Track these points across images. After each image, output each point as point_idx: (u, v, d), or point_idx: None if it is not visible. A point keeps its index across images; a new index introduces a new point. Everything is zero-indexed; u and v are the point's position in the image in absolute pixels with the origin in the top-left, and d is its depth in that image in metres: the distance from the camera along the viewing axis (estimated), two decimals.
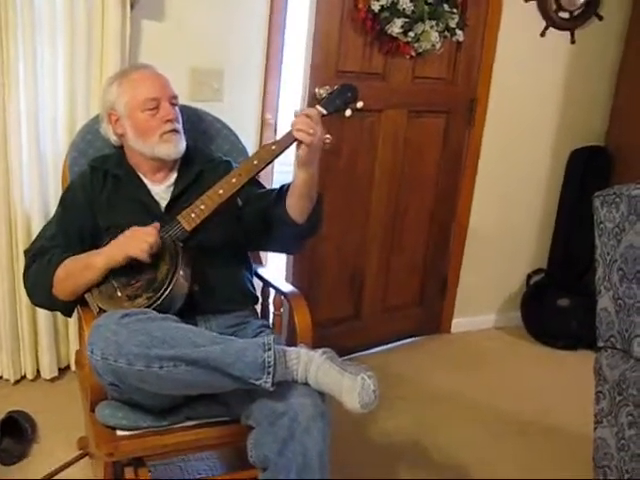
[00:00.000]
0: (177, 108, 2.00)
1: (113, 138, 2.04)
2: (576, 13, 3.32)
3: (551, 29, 3.30)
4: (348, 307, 3.18)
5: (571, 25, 3.34)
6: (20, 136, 2.44)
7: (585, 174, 3.53)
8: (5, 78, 2.37)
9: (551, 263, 3.70)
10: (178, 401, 1.76)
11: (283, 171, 2.97)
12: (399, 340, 3.40)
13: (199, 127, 2.29)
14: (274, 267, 2.88)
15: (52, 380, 2.73)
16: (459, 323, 3.60)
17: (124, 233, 1.79)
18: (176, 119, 1.97)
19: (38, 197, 2.51)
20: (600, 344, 1.97)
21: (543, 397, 2.98)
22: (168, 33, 2.60)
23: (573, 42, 3.37)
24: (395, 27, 2.70)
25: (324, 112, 1.80)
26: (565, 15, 3.30)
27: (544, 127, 3.49)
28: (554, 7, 3.25)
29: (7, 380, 2.68)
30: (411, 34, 2.75)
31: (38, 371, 2.73)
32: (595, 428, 1.99)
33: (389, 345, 3.35)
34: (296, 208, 1.85)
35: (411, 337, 3.45)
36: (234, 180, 1.81)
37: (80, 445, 2.32)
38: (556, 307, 3.55)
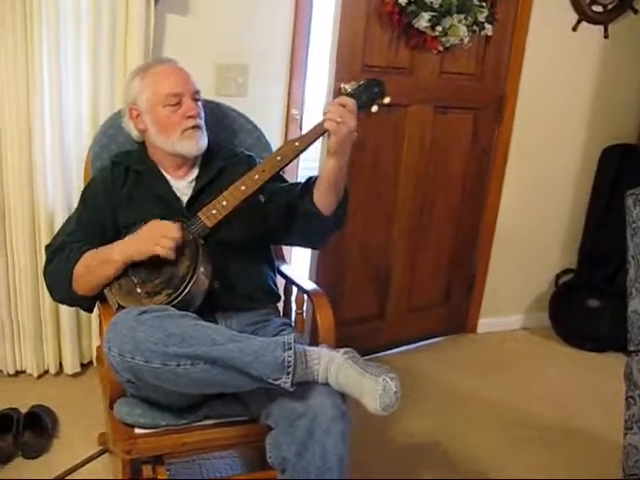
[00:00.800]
0: (199, 103, 1.98)
1: (135, 133, 2.02)
2: (610, 7, 3.25)
3: (584, 23, 3.23)
4: (373, 306, 3.15)
5: (605, 19, 3.27)
6: (44, 131, 2.45)
7: (617, 173, 3.46)
8: (30, 73, 2.37)
9: (581, 263, 3.64)
10: (196, 400, 1.74)
11: (308, 167, 2.95)
12: (424, 340, 3.36)
13: (222, 122, 2.27)
14: (298, 265, 2.86)
15: (74, 375, 2.74)
16: (485, 323, 3.56)
17: (146, 226, 1.77)
18: (198, 115, 1.95)
19: (61, 192, 2.51)
20: (631, 348, 1.91)
21: (570, 400, 2.93)
22: (192, 28, 2.59)
23: (606, 37, 3.30)
24: (422, 21, 2.66)
25: None
26: (599, 9, 3.23)
27: (575, 124, 3.43)
28: (587, 0, 3.18)
29: (30, 375, 2.70)
30: (439, 28, 2.71)
31: (61, 366, 2.75)
32: (625, 434, 1.93)
33: (414, 345, 3.31)
34: (324, 199, 1.82)
35: (436, 337, 3.42)
36: (257, 177, 1.79)
37: (101, 441, 2.32)
38: (585, 308, 3.48)
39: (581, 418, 2.77)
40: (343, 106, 1.71)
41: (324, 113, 1.72)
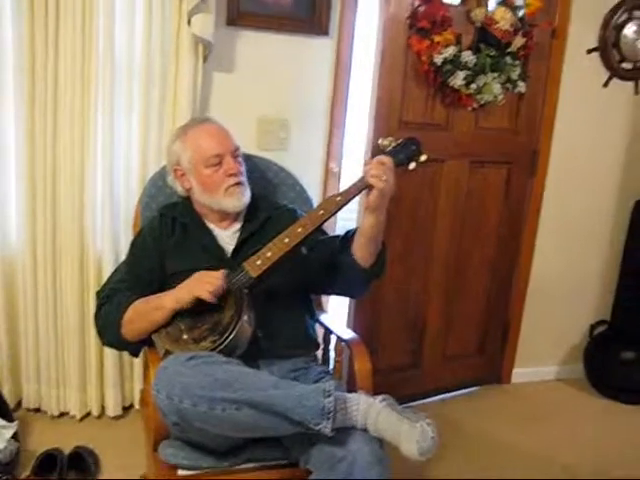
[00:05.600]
0: (240, 159, 2.07)
1: (180, 190, 2.12)
2: (639, 64, 3.31)
3: (614, 80, 3.30)
4: (408, 354, 3.18)
5: (635, 75, 3.33)
6: (95, 183, 2.56)
7: None
8: (85, 130, 2.50)
9: (615, 314, 3.62)
10: (239, 443, 1.78)
11: (345, 217, 3.03)
12: (459, 389, 3.37)
13: (265, 176, 2.37)
14: (335, 313, 2.91)
15: (116, 418, 2.80)
16: (520, 374, 3.56)
17: (191, 276, 1.85)
18: (240, 172, 2.04)
19: (109, 241, 2.61)
20: None
21: (604, 451, 2.91)
22: (237, 84, 2.70)
23: (637, 93, 3.36)
24: (457, 79, 2.75)
25: None
26: (629, 66, 3.30)
27: (607, 177, 3.47)
28: (617, 58, 3.26)
29: (73, 416, 2.76)
30: (473, 86, 2.80)
31: (103, 409, 2.81)
32: None
33: (449, 394, 3.33)
34: (363, 252, 1.89)
35: (471, 386, 3.42)
36: (300, 230, 1.85)
37: None
38: (620, 360, 3.46)
39: (616, 469, 2.74)
40: (382, 164, 1.78)
41: (365, 171, 1.79)
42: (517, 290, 3.43)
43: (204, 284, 1.80)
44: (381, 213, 1.81)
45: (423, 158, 1.89)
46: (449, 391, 3.33)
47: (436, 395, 3.27)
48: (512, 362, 3.53)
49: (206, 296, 1.78)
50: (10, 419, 2.54)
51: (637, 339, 3.47)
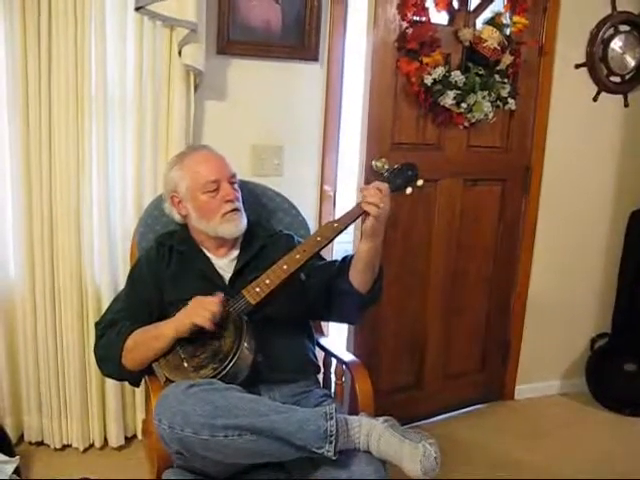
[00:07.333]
0: (237, 186, 2.08)
1: (177, 217, 2.12)
2: (628, 77, 3.35)
3: (603, 94, 3.33)
4: (410, 375, 3.18)
5: (623, 89, 3.37)
6: (92, 214, 2.57)
7: None
8: (80, 161, 2.52)
9: (615, 327, 3.62)
10: (241, 469, 1.77)
11: (344, 240, 3.04)
12: (462, 408, 3.36)
13: (261, 201, 2.38)
14: (335, 336, 2.91)
15: (119, 449, 2.78)
16: (523, 390, 3.55)
17: (189, 303, 1.85)
18: (236, 198, 2.05)
19: (107, 272, 2.61)
20: None
21: (610, 466, 2.89)
22: (229, 112, 2.72)
23: (627, 105, 3.39)
24: (448, 99, 2.77)
25: None
26: (617, 79, 3.34)
27: (601, 190, 3.49)
28: (605, 72, 3.29)
29: (76, 448, 2.75)
30: (464, 105, 2.82)
31: (106, 440, 2.79)
32: None
33: (452, 413, 3.31)
34: (360, 278, 1.89)
35: (474, 404, 3.41)
36: (298, 256, 1.86)
37: None
38: (622, 372, 3.46)
39: None
40: (379, 190, 1.78)
41: (363, 196, 1.79)
42: (516, 306, 3.43)
43: (202, 311, 1.80)
44: (377, 239, 1.82)
45: (420, 183, 1.91)
46: (452, 410, 3.32)
47: (439, 415, 3.26)
48: (514, 378, 3.53)
49: (205, 323, 1.79)
50: (12, 454, 2.52)
51: (639, 351, 3.47)
